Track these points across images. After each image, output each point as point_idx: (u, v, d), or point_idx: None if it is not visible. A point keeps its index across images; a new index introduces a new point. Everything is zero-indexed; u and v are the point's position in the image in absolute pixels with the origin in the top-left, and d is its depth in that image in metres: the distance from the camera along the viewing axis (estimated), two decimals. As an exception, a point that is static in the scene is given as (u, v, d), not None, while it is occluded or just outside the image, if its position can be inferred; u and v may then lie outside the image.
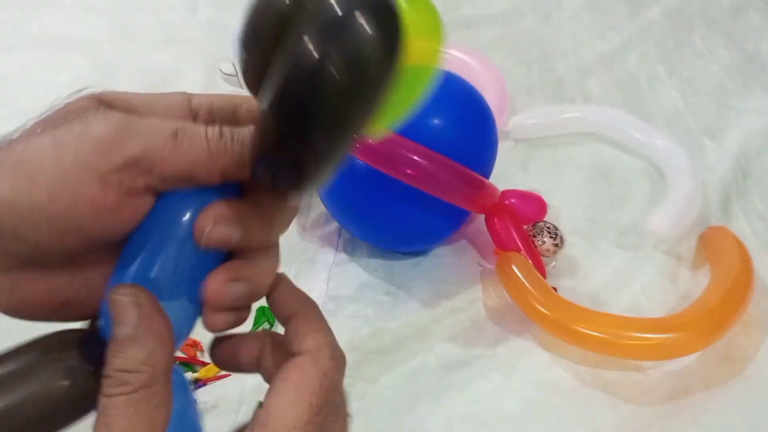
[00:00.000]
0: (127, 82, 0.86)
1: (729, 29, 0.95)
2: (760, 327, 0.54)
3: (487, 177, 0.57)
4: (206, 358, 0.52)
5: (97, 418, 0.23)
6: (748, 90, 0.83)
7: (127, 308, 0.23)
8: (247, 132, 0.24)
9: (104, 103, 0.26)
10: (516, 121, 0.75)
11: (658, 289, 0.57)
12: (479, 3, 1.03)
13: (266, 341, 0.29)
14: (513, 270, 0.53)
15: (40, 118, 0.26)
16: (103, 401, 0.23)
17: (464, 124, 0.54)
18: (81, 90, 0.27)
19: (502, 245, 0.56)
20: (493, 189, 0.56)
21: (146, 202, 0.25)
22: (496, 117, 0.58)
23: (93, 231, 0.24)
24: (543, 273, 0.56)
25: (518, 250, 0.56)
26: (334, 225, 0.64)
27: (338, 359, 0.27)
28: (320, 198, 0.61)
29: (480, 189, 0.54)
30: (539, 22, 1.00)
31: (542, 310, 0.51)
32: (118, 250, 0.26)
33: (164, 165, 0.24)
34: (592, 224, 0.65)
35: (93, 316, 0.27)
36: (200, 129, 0.24)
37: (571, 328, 0.50)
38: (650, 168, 0.71)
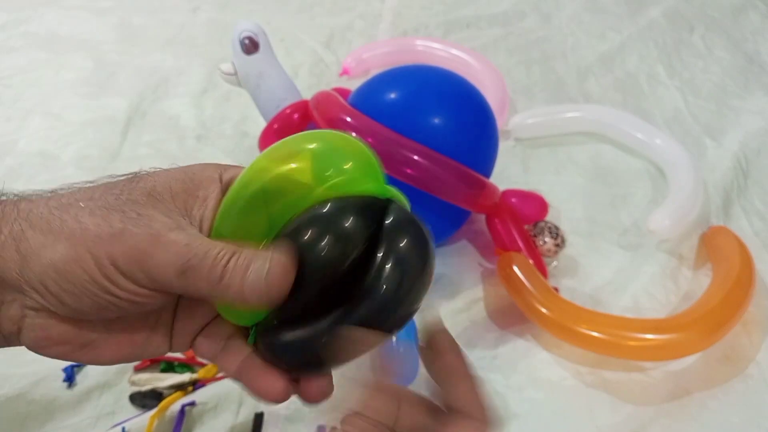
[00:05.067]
0: (128, 82, 0.86)
1: (729, 29, 0.95)
2: (760, 326, 0.54)
3: (488, 177, 0.57)
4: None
5: None
6: (748, 90, 0.83)
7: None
8: (246, 273, 0.26)
9: (153, 197, 0.28)
10: (516, 120, 0.75)
11: (659, 289, 0.57)
12: (479, 3, 1.04)
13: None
14: (514, 270, 0.53)
15: (92, 188, 0.28)
16: None
17: (465, 123, 0.54)
18: (137, 173, 0.29)
19: (503, 245, 0.56)
20: (494, 189, 0.56)
21: (170, 296, 0.28)
22: (496, 116, 0.58)
23: (127, 309, 0.27)
24: (544, 273, 0.56)
25: (519, 250, 0.56)
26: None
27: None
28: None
29: (481, 189, 0.54)
30: (539, 22, 1.00)
31: (543, 310, 0.51)
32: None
33: (172, 290, 0.26)
34: (592, 224, 0.65)
35: (110, 361, 0.29)
36: (207, 263, 0.26)
37: (571, 328, 0.50)
38: (651, 167, 0.71)
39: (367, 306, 0.26)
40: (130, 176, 0.29)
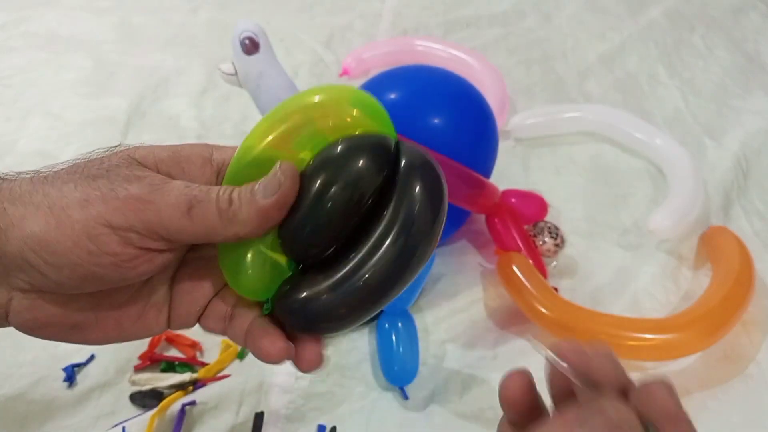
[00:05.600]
0: (128, 82, 0.86)
1: (729, 29, 0.95)
2: (760, 326, 0.54)
3: (488, 177, 0.57)
4: (206, 359, 0.52)
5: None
6: (748, 90, 0.83)
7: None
8: (253, 193, 0.27)
9: (136, 160, 0.28)
10: (516, 120, 0.75)
11: (659, 289, 0.57)
12: (479, 3, 1.04)
13: None
14: (514, 270, 0.53)
15: (75, 165, 0.28)
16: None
17: (464, 123, 0.54)
18: (117, 146, 0.29)
19: (503, 245, 0.56)
20: (494, 189, 0.56)
21: (163, 258, 0.27)
22: (496, 116, 0.58)
23: (109, 278, 0.26)
24: (544, 273, 0.56)
25: (519, 250, 0.56)
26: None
27: None
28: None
29: (480, 189, 0.54)
30: (540, 22, 1.00)
31: (543, 310, 0.51)
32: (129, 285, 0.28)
33: (180, 234, 0.26)
34: (592, 224, 0.65)
35: (102, 341, 0.30)
36: (213, 197, 0.26)
37: (571, 328, 0.50)
38: (651, 167, 0.71)
39: (385, 254, 0.26)
40: (111, 148, 0.28)
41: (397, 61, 0.80)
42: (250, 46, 0.58)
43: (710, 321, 0.49)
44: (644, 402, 0.21)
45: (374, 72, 0.60)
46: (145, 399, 0.48)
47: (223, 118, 0.80)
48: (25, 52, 0.92)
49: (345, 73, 0.86)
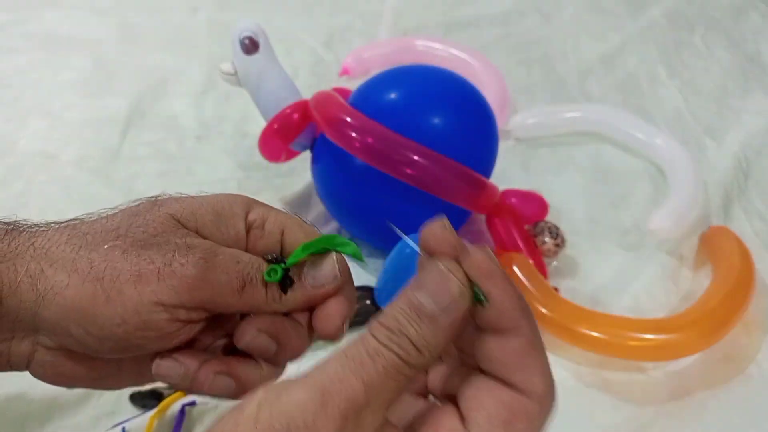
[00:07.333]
0: (128, 82, 0.86)
1: (729, 30, 0.95)
2: (761, 326, 0.54)
3: (488, 177, 0.57)
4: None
5: (356, 344, 0.22)
6: (748, 90, 0.83)
7: (447, 285, 0.22)
8: (302, 277, 0.28)
9: (180, 223, 0.27)
10: (517, 120, 0.75)
11: (659, 289, 0.57)
12: (480, 3, 1.03)
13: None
14: (514, 270, 0.53)
15: (113, 221, 0.27)
16: (371, 342, 0.21)
17: (465, 123, 0.54)
18: (158, 196, 0.28)
19: (503, 245, 0.56)
20: (494, 189, 0.56)
21: (201, 325, 0.27)
22: (496, 116, 0.58)
23: (150, 348, 0.27)
24: (544, 273, 0.56)
25: (519, 250, 0.56)
26: (334, 225, 0.64)
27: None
28: (320, 197, 0.61)
29: (480, 189, 0.54)
30: (540, 22, 1.00)
31: (543, 310, 0.51)
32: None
33: (226, 308, 0.27)
34: (592, 224, 0.65)
35: (114, 388, 0.30)
36: (262, 287, 0.27)
37: (572, 328, 0.50)
38: (651, 168, 0.71)
39: None
40: (151, 200, 0.28)
41: (397, 61, 0.80)
42: (250, 46, 0.58)
43: (710, 321, 0.49)
44: (467, 265, 0.22)
45: (374, 72, 0.60)
46: (145, 399, 0.48)
47: (223, 118, 0.80)
48: (25, 52, 0.92)
49: (345, 72, 0.86)
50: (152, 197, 0.28)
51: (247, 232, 0.29)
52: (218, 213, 0.28)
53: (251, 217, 0.29)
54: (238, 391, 0.27)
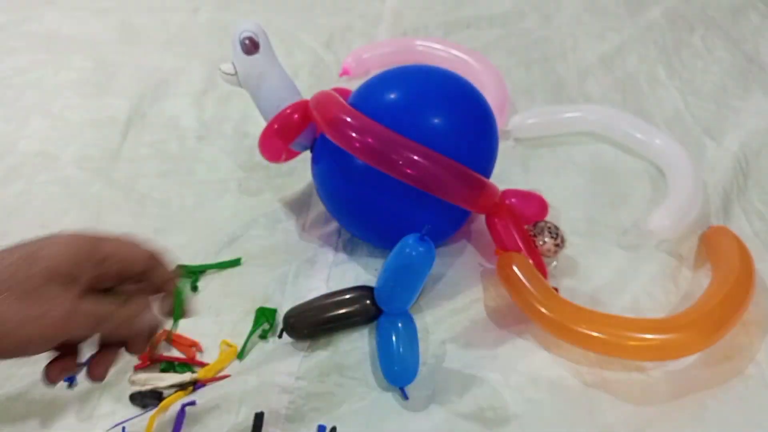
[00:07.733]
0: (128, 82, 0.86)
1: (729, 30, 0.95)
2: (760, 326, 0.54)
3: (488, 177, 0.57)
4: (205, 359, 0.52)
5: None
6: (748, 90, 0.83)
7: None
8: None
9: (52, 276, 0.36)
10: (516, 120, 0.75)
11: (658, 289, 0.57)
12: (480, 3, 1.04)
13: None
14: (514, 270, 0.53)
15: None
16: None
17: (464, 123, 0.54)
18: (29, 250, 0.36)
19: (503, 245, 0.56)
20: (494, 189, 0.56)
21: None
22: (496, 116, 0.58)
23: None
24: (544, 273, 0.56)
25: (519, 250, 0.56)
26: (334, 225, 0.64)
27: None
28: (320, 198, 0.61)
29: (480, 189, 0.54)
30: (539, 23, 1.00)
31: (543, 310, 0.51)
32: None
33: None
34: (592, 224, 0.65)
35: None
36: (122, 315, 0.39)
37: (571, 328, 0.50)
38: (651, 168, 0.71)
39: None
40: (23, 255, 0.35)
41: (397, 61, 0.80)
42: (250, 46, 0.58)
43: (710, 321, 0.49)
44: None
45: (374, 72, 0.60)
46: (145, 399, 0.48)
47: (223, 118, 0.80)
48: (25, 52, 0.92)
49: (345, 73, 0.86)
50: (23, 247, 0.35)
51: (97, 268, 0.37)
52: (76, 257, 0.36)
53: (98, 256, 0.37)
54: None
